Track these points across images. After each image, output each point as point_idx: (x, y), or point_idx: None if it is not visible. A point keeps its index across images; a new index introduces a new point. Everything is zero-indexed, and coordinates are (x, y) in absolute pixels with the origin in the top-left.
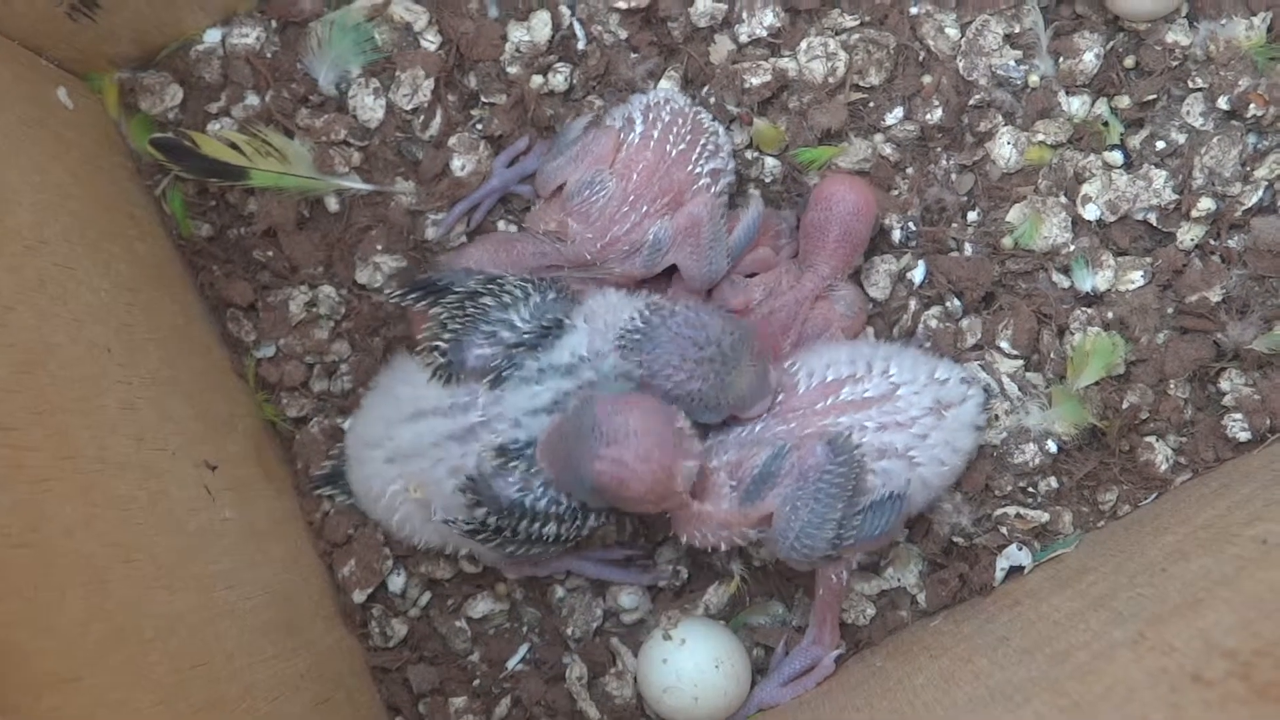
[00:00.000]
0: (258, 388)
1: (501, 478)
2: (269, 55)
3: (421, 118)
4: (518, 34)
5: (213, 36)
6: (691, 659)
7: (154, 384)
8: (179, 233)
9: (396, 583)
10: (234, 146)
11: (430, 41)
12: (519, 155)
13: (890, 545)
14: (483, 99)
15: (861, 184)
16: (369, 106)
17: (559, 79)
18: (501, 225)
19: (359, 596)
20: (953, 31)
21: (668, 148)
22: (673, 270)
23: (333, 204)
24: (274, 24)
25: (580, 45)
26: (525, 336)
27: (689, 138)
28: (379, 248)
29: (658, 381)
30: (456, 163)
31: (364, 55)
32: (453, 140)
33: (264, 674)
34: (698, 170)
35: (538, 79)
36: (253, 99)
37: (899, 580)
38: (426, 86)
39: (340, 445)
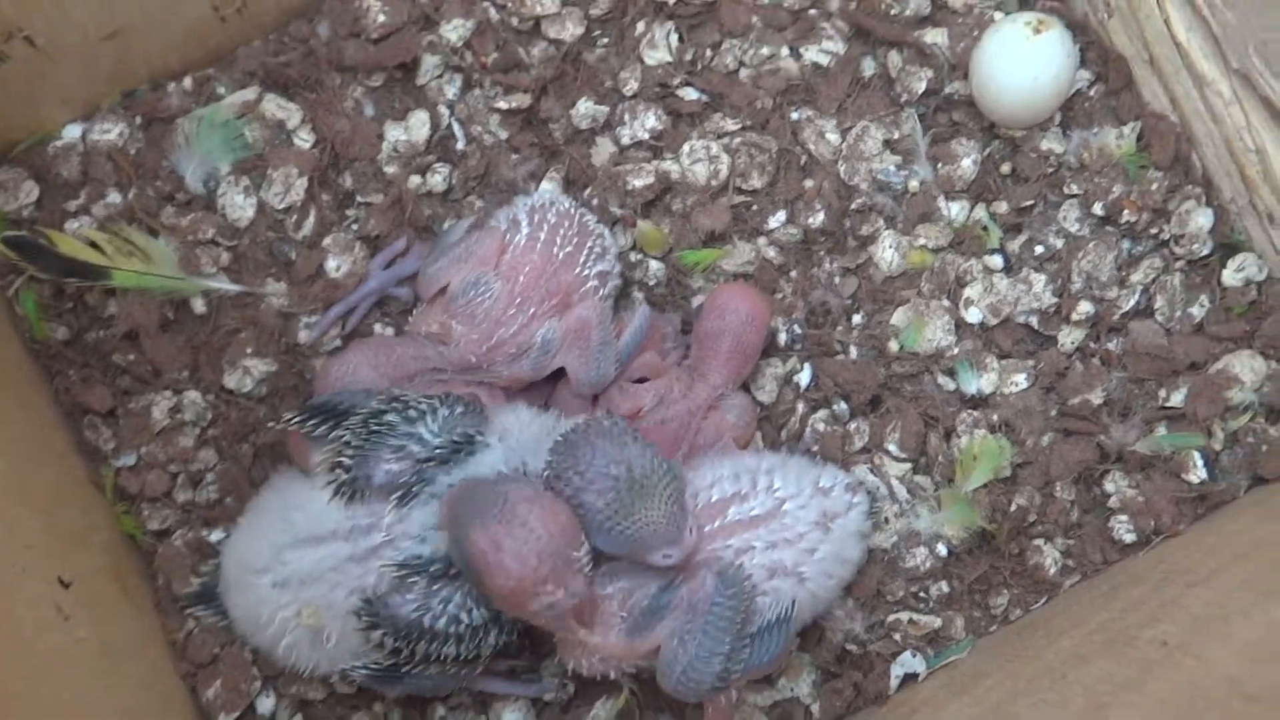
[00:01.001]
0: (116, 499)
1: (399, 594)
2: (132, 152)
3: (294, 217)
4: (395, 133)
5: (72, 132)
6: None
7: (2, 494)
8: (32, 335)
9: (266, 705)
10: (94, 245)
11: (304, 139)
12: (397, 256)
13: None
14: (359, 198)
15: (755, 293)
16: (239, 205)
17: (437, 179)
18: (379, 328)
19: None
20: (833, 136)
21: (554, 250)
22: (559, 374)
23: (199, 305)
24: (138, 120)
25: (459, 145)
26: (436, 451)
27: (575, 240)
28: (249, 351)
29: (559, 485)
30: (331, 263)
31: (234, 153)
32: (327, 240)
33: None
34: (585, 272)
35: (416, 179)
36: (114, 197)
37: (792, 690)
38: (300, 185)
39: (213, 563)
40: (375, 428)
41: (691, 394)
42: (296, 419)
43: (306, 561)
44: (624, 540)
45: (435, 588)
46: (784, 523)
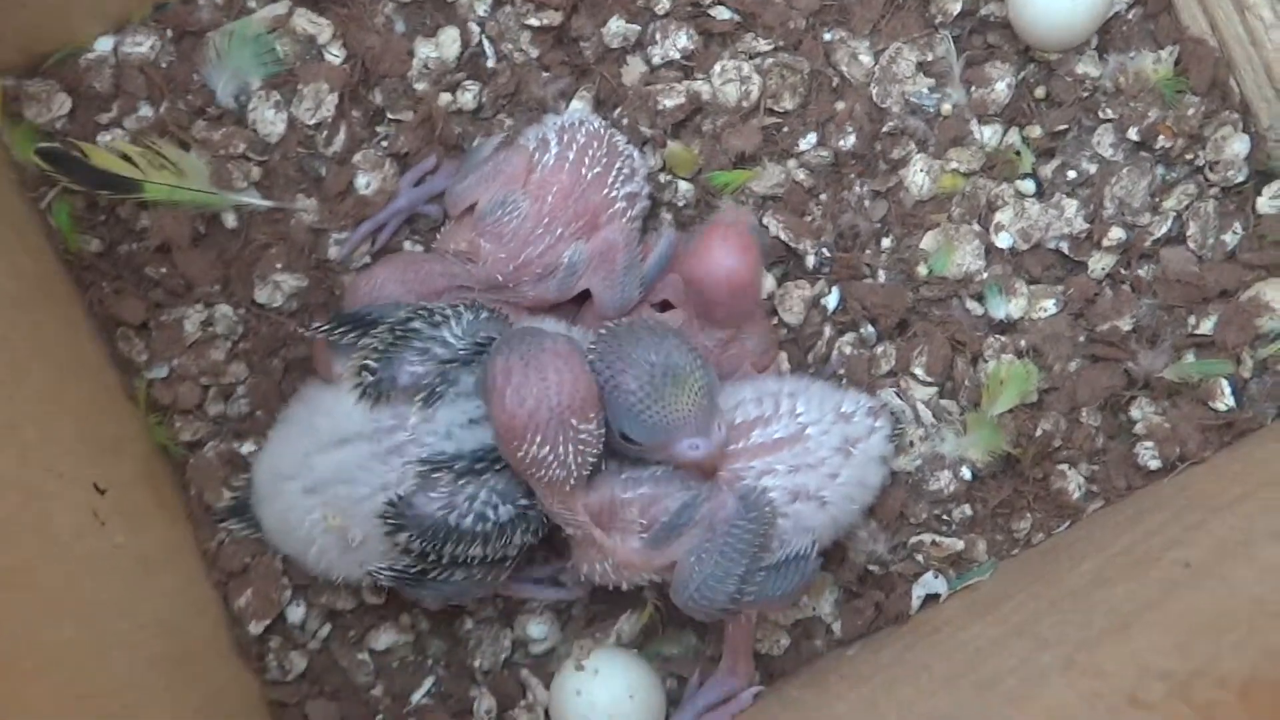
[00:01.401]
0: (149, 410)
1: (424, 493)
2: (164, 65)
3: (325, 133)
4: (425, 50)
5: (104, 45)
6: (606, 690)
7: (38, 402)
8: (66, 248)
9: (296, 614)
10: (126, 158)
11: (334, 55)
12: (426, 174)
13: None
14: (389, 115)
15: (728, 251)
16: (269, 120)
17: (467, 97)
18: (408, 245)
19: (255, 628)
20: (866, 59)
21: (583, 170)
22: (583, 297)
23: (230, 220)
24: (169, 33)
25: (489, 63)
26: (460, 353)
27: (605, 161)
28: (279, 266)
29: (599, 367)
30: (361, 180)
31: (264, 67)
32: (357, 157)
33: (155, 709)
34: (613, 194)
35: (446, 96)
36: (146, 110)
37: (814, 609)
38: (330, 101)
39: (245, 477)
40: (401, 333)
41: (704, 332)
42: (325, 328)
43: (332, 463)
44: (654, 426)
45: (461, 484)
46: (806, 447)
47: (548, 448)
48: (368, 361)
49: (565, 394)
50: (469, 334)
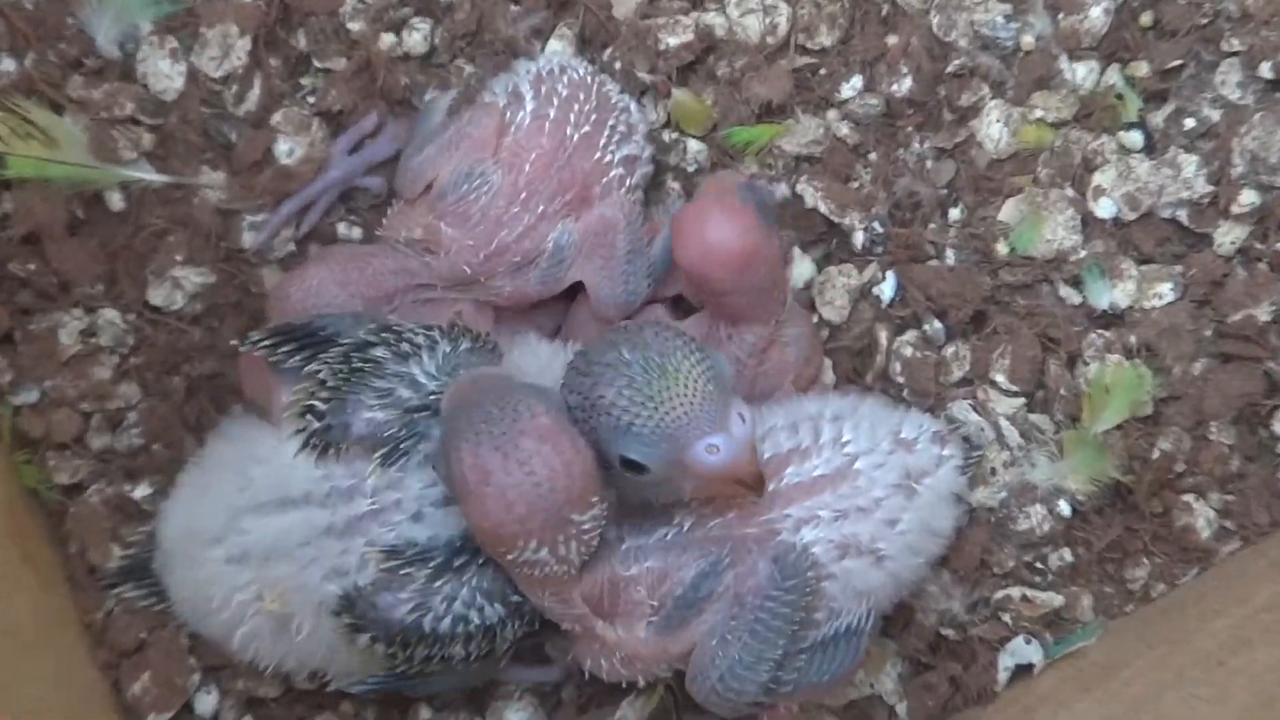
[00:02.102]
0: (16, 445)
1: (390, 591)
2: (29, 7)
3: (235, 88)
4: None
5: None
6: None
7: None
8: None
9: (206, 703)
10: None
11: None
12: (365, 138)
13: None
14: (316, 64)
15: (712, 222)
16: (164, 74)
17: (416, 38)
18: (343, 230)
19: None
20: None
21: (568, 130)
22: (575, 291)
23: (116, 201)
24: None
25: None
26: (432, 399)
27: (594, 117)
28: (179, 258)
29: (573, 402)
30: (282, 147)
31: (157, 6)
32: (277, 117)
33: None
34: (607, 159)
35: (388, 38)
36: (8, 64)
37: (873, 686)
38: (241, 47)
39: (142, 530)
40: (358, 364)
41: (737, 336)
42: (264, 341)
43: (271, 531)
44: (653, 437)
45: (437, 584)
46: (856, 485)
47: (545, 550)
48: (314, 402)
49: (560, 487)
50: (445, 371)
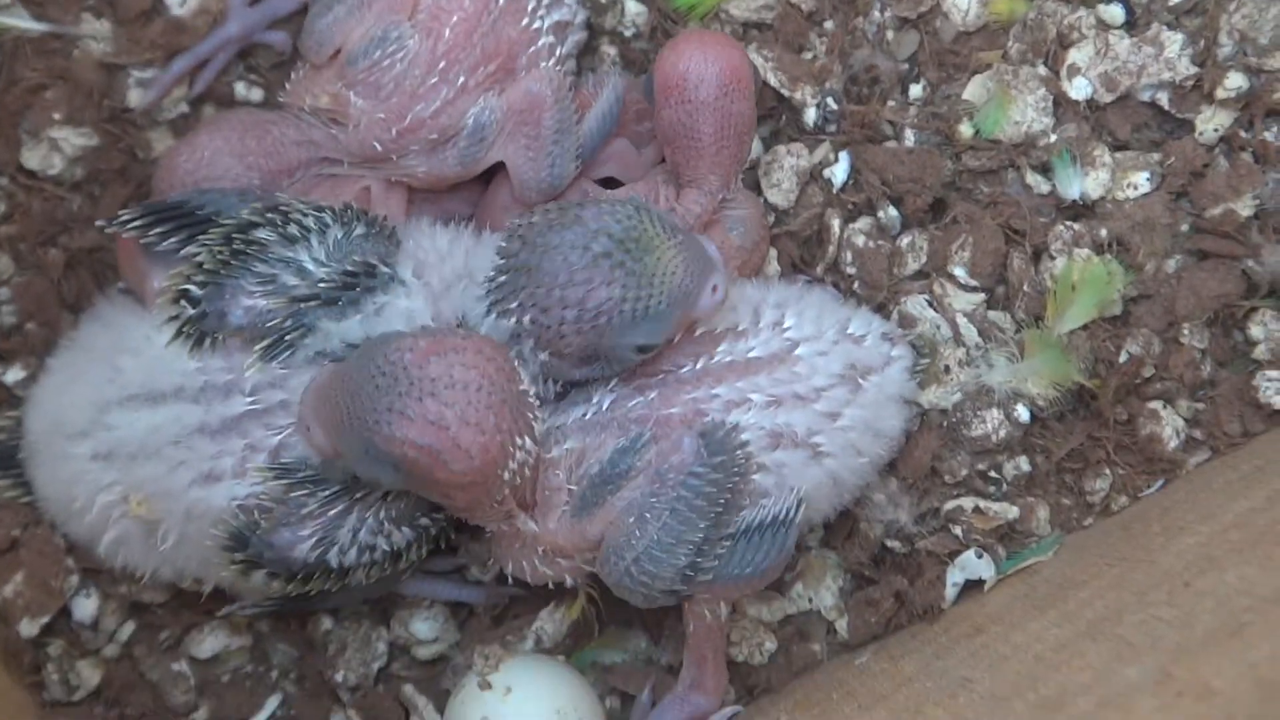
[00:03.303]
0: None
1: (288, 529)
2: None
3: None
4: None
5: None
6: (522, 715)
7: None
8: None
9: (85, 608)
10: None
11: None
12: None
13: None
14: None
15: (716, 43)
16: None
17: None
18: (241, 90)
19: (29, 628)
20: None
21: None
22: (494, 172)
23: None
24: None
25: None
26: (321, 286)
27: None
28: (57, 117)
29: (551, 319)
30: None
31: None
32: None
33: None
34: (536, 25)
35: None
36: None
37: (811, 600)
38: None
39: (10, 415)
40: (240, 247)
41: (682, 205)
42: (134, 221)
43: (139, 427)
44: (667, 312)
45: (337, 510)
46: (795, 371)
47: (529, 437)
48: (189, 286)
49: (493, 370)
50: (336, 258)
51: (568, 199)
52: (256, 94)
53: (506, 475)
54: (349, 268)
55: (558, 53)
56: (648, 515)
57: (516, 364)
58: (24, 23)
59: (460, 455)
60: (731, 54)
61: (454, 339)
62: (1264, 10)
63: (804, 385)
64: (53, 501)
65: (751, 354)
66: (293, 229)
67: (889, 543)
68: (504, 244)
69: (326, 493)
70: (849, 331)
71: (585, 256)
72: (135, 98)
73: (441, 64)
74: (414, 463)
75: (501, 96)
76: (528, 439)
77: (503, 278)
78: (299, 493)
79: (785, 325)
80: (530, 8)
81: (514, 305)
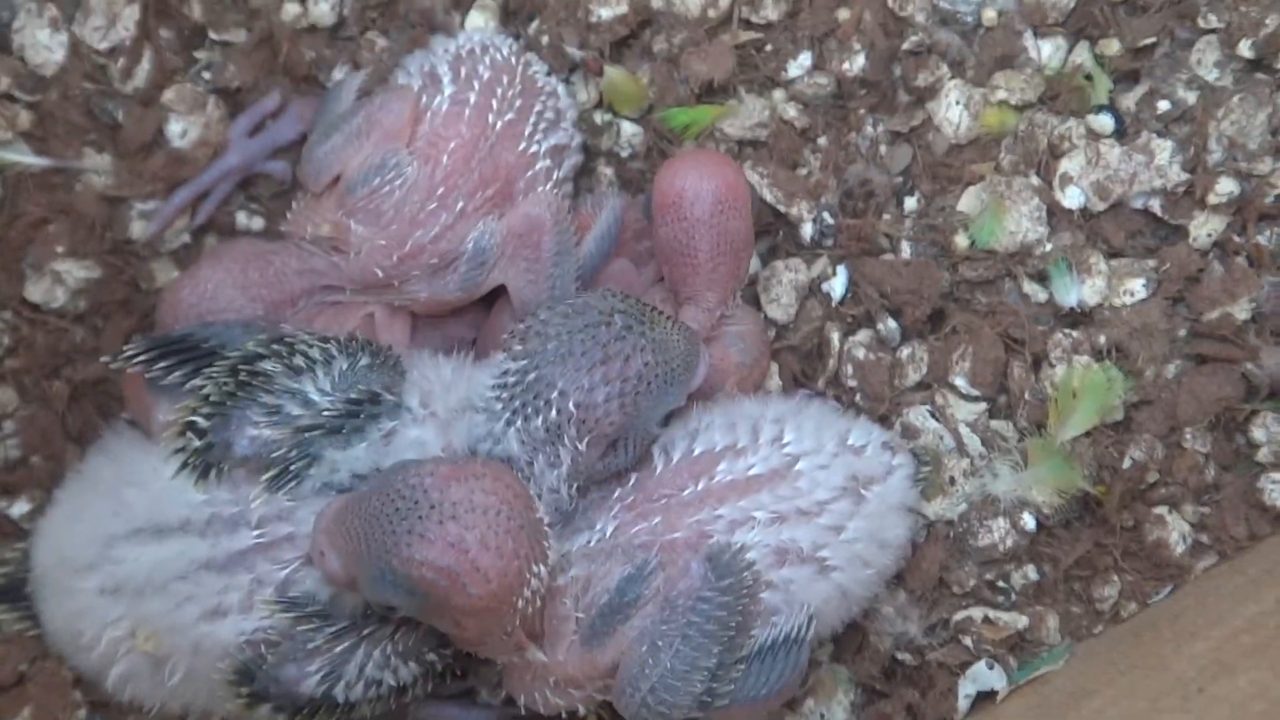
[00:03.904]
0: None
1: (294, 662)
2: None
3: (122, 62)
4: None
5: None
6: None
7: None
8: None
9: None
10: None
11: None
12: (267, 119)
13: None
14: (212, 35)
15: (712, 162)
16: (44, 45)
17: (323, 8)
18: (242, 220)
19: None
20: None
21: (490, 118)
22: (496, 295)
23: None
24: None
25: None
26: (325, 416)
27: (519, 103)
28: (60, 250)
29: (596, 398)
30: (174, 127)
31: None
32: (169, 95)
33: None
34: (533, 149)
35: (292, 7)
36: None
37: (823, 716)
38: (129, 16)
39: (18, 548)
40: (245, 378)
41: (683, 316)
42: (140, 356)
43: (145, 562)
44: (683, 376)
45: (344, 646)
46: (796, 486)
47: (543, 564)
48: (195, 418)
49: (510, 495)
50: (340, 388)
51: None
52: (258, 223)
53: (520, 603)
54: (353, 395)
55: (555, 176)
56: (660, 644)
57: (546, 466)
58: (26, 158)
59: (479, 579)
60: (726, 172)
61: (474, 465)
62: (1252, 116)
63: (806, 500)
64: (60, 635)
65: (752, 471)
66: (298, 360)
67: (899, 655)
68: (518, 346)
69: (334, 629)
70: (849, 443)
71: (612, 331)
72: (138, 230)
73: (440, 190)
74: (432, 586)
75: (501, 220)
76: (542, 566)
77: (531, 376)
78: (306, 627)
79: (785, 440)
80: (527, 132)
81: (553, 397)
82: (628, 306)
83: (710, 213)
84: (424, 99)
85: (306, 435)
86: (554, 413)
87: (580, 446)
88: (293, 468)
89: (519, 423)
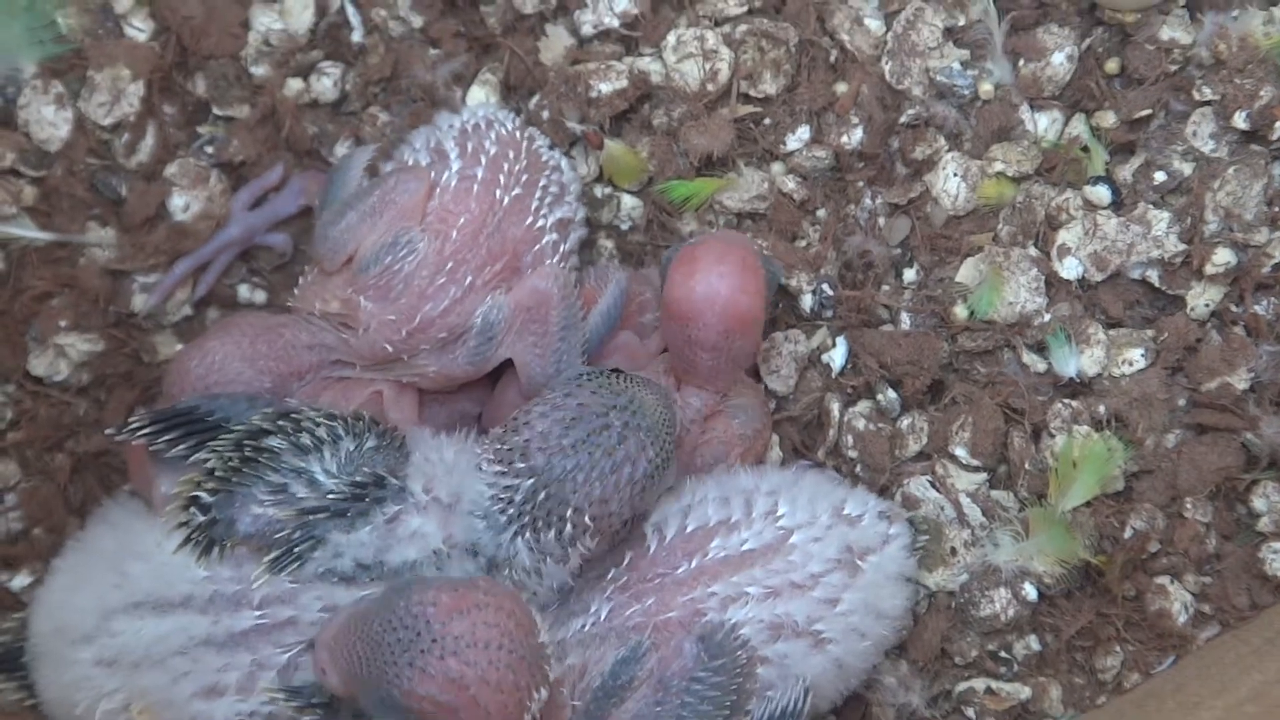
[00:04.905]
0: None
1: None
2: None
3: (126, 137)
4: (265, 20)
5: None
6: None
7: None
8: None
9: None
10: None
11: (139, 29)
12: (268, 192)
13: None
14: (215, 111)
15: (728, 271)
16: (49, 121)
17: (325, 84)
18: (244, 292)
19: None
20: (875, 24)
21: (497, 193)
22: (502, 371)
23: None
24: None
25: (356, 36)
26: (330, 499)
27: (525, 178)
28: (63, 324)
29: (613, 506)
30: (177, 201)
31: (42, 47)
32: (171, 169)
33: None
34: (539, 224)
35: (295, 84)
36: None
37: None
38: (133, 92)
39: (16, 618)
40: (251, 454)
41: (682, 399)
42: (144, 429)
43: (144, 636)
44: (674, 446)
45: None
46: (790, 560)
47: (545, 688)
48: (199, 493)
49: (513, 626)
50: (347, 470)
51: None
52: (260, 296)
53: None
54: (358, 479)
55: (561, 249)
56: None
57: (555, 566)
58: (30, 233)
59: (479, 713)
60: (741, 296)
61: (476, 594)
62: (1247, 187)
63: (800, 573)
64: (55, 705)
65: (745, 546)
66: (305, 439)
67: None
68: (521, 464)
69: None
70: (845, 512)
71: (613, 435)
72: (139, 302)
73: (449, 264)
74: (432, 717)
75: (509, 294)
76: (543, 689)
77: (541, 495)
78: (309, 717)
79: (779, 513)
80: (534, 207)
81: (568, 514)
82: (619, 399)
83: (716, 336)
84: (432, 175)
85: (311, 517)
86: (569, 528)
87: (591, 547)
88: (296, 549)
89: (527, 535)
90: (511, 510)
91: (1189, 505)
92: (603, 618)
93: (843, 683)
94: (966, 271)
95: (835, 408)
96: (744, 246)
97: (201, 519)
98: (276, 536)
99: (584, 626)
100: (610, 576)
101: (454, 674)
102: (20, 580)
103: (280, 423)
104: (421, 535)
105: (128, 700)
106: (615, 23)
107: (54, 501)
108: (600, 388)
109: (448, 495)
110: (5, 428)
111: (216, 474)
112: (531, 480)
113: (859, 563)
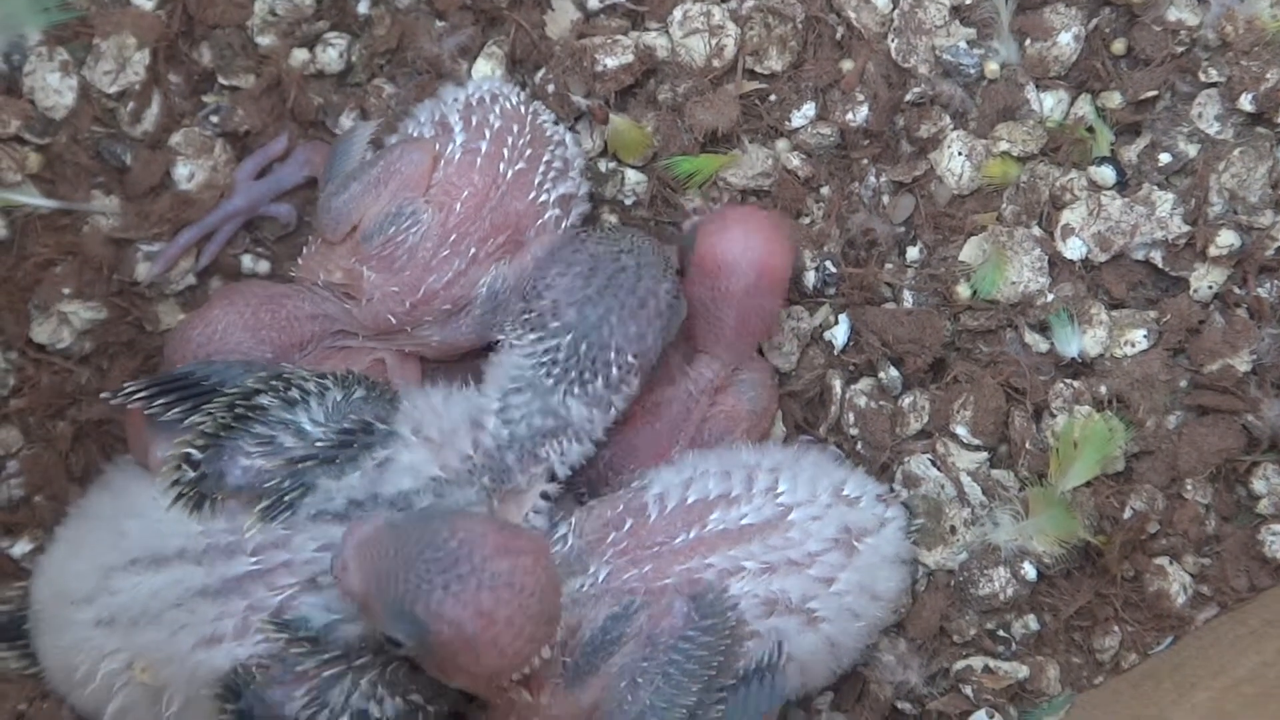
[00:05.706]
0: None
1: (280, 685)
2: None
3: (131, 106)
4: None
5: None
6: None
7: None
8: None
9: None
10: None
11: None
12: (273, 162)
13: None
14: (221, 81)
15: (759, 235)
16: (54, 88)
17: (331, 55)
18: (247, 262)
19: None
20: (881, 1)
21: (501, 167)
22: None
23: None
24: None
25: (363, 8)
26: (318, 447)
27: (529, 153)
28: (66, 291)
29: (641, 356)
30: (181, 170)
31: (46, 14)
32: (176, 139)
33: None
34: (543, 197)
35: (300, 54)
36: None
37: None
38: (139, 61)
39: (18, 586)
40: (241, 411)
41: (694, 370)
42: (140, 394)
43: (142, 591)
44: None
45: (334, 672)
46: (788, 537)
47: (549, 645)
48: (190, 450)
49: (544, 586)
50: (333, 419)
51: None
52: (263, 266)
53: (516, 677)
54: (346, 425)
55: (564, 224)
56: (640, 680)
57: (602, 416)
58: (35, 200)
59: (493, 652)
60: (775, 249)
61: (524, 541)
62: (1252, 170)
63: (798, 550)
64: (56, 671)
65: (744, 520)
66: (293, 393)
67: (900, 704)
68: (554, 323)
69: (325, 656)
70: (844, 493)
71: (632, 274)
72: (143, 271)
73: (453, 237)
74: (447, 642)
75: (512, 265)
76: (548, 649)
77: (583, 346)
78: (298, 650)
79: (779, 490)
80: (536, 181)
81: (612, 356)
82: (623, 242)
83: (747, 288)
84: (436, 147)
85: (300, 465)
86: (615, 370)
87: (635, 387)
88: (286, 497)
89: (576, 389)
90: (557, 370)
91: (1189, 486)
92: (600, 580)
93: (834, 662)
94: (970, 251)
95: (837, 385)
96: (773, 216)
97: (191, 475)
98: (266, 486)
99: (582, 586)
100: (610, 540)
101: (485, 607)
102: (21, 547)
103: (272, 382)
104: (414, 467)
105: (129, 659)
106: None
107: (55, 469)
108: (602, 238)
109: (439, 435)
110: (7, 395)
111: (206, 431)
112: (570, 335)
113: (856, 544)
